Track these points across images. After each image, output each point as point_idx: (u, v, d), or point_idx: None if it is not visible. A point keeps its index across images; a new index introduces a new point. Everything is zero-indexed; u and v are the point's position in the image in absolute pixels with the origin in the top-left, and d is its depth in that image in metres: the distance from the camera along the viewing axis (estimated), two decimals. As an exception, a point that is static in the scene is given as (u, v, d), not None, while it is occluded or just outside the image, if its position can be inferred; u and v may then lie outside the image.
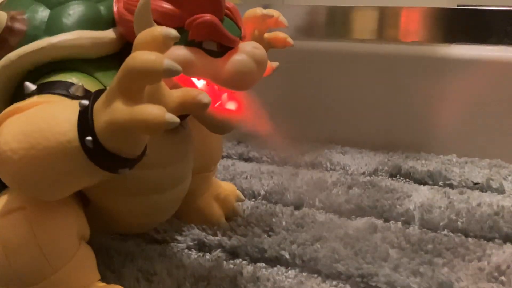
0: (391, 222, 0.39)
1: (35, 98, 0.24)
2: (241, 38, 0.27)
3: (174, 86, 0.24)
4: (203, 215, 0.37)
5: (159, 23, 0.24)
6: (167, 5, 0.25)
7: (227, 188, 0.39)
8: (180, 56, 0.24)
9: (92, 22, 0.27)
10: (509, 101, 0.53)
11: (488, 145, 0.54)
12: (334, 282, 0.31)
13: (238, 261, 0.34)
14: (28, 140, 0.22)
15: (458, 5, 0.57)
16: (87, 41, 0.26)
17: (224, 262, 0.33)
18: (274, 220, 0.38)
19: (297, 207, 0.41)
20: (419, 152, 0.55)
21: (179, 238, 0.36)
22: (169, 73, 0.20)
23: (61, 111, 0.22)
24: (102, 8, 0.28)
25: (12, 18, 0.27)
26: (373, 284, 0.31)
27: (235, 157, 0.55)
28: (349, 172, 0.50)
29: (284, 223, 0.38)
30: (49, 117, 0.22)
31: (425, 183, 0.47)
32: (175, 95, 0.23)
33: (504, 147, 0.53)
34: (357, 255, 0.33)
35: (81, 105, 0.22)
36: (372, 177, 0.48)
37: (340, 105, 0.59)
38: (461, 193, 0.44)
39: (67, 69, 0.26)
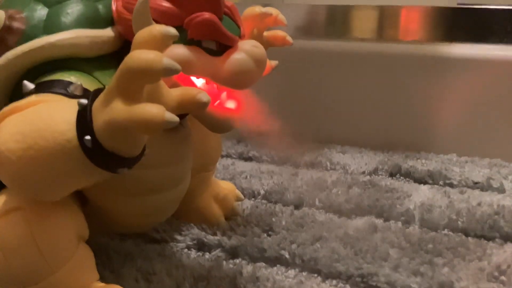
0: (391, 221, 0.39)
1: (33, 97, 0.24)
2: (240, 37, 0.27)
3: (173, 85, 0.24)
4: (202, 214, 0.37)
5: (158, 22, 0.24)
6: (166, 4, 0.25)
7: (226, 187, 0.39)
8: (179, 55, 0.24)
9: (91, 20, 0.27)
10: (510, 100, 0.53)
11: (488, 144, 0.54)
12: (334, 282, 0.31)
13: (237, 260, 0.33)
14: (26, 140, 0.22)
15: (458, 4, 0.57)
16: (86, 40, 0.26)
17: (224, 262, 0.33)
18: (274, 219, 0.38)
19: (297, 206, 0.41)
20: (419, 152, 0.54)
21: (178, 237, 0.36)
22: (168, 72, 0.19)
23: (59, 111, 0.22)
24: (100, 6, 0.27)
25: (10, 17, 0.27)
26: (373, 284, 0.30)
27: (234, 156, 0.55)
28: (349, 171, 0.50)
29: (284, 222, 0.37)
30: (47, 117, 0.22)
31: (425, 183, 0.47)
32: (174, 94, 0.22)
33: (505, 146, 0.53)
34: (357, 255, 0.33)
35: (79, 105, 0.21)
36: (372, 177, 0.48)
37: (340, 105, 0.59)
38: (461, 192, 0.44)
39: (66, 68, 0.26)
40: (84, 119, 0.21)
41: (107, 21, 0.27)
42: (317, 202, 0.41)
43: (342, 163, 0.51)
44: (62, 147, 0.21)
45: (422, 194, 0.44)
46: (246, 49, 0.25)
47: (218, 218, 0.37)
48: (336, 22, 0.61)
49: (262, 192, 0.43)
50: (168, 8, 0.25)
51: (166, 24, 0.21)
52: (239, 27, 0.27)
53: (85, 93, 0.25)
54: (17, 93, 0.26)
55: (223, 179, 0.44)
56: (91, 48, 0.26)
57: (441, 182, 0.47)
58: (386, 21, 0.60)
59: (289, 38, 0.32)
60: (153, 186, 0.29)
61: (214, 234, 0.36)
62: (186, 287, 0.30)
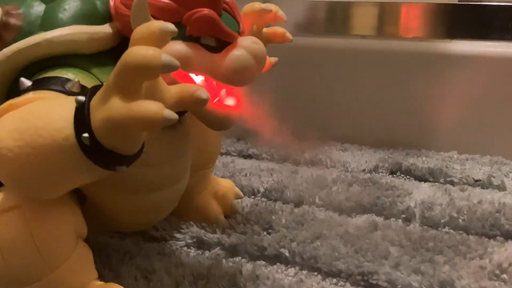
0: (391, 219, 0.39)
1: (30, 94, 0.24)
2: (240, 33, 0.26)
3: (172, 82, 0.23)
4: (201, 212, 0.37)
5: (156, 18, 0.24)
6: None
7: (225, 185, 0.39)
8: (178, 51, 0.24)
9: (88, 17, 0.27)
10: (511, 97, 0.53)
11: (489, 141, 0.54)
12: (334, 280, 0.31)
13: (237, 259, 0.33)
14: (23, 138, 0.21)
15: (459, 1, 0.56)
16: (83, 36, 0.26)
17: (224, 260, 0.33)
18: (273, 217, 0.38)
19: (297, 204, 0.41)
20: (420, 149, 0.54)
21: (178, 236, 0.35)
22: (167, 68, 0.19)
23: (56, 108, 0.22)
24: (98, 2, 0.27)
25: (7, 13, 0.26)
26: (374, 282, 0.30)
27: (234, 154, 0.54)
28: (349, 169, 0.49)
29: (283, 220, 0.37)
30: (44, 114, 0.22)
31: (425, 180, 0.47)
32: (173, 91, 0.22)
33: (506, 144, 0.53)
34: (358, 253, 0.33)
35: (77, 102, 0.21)
36: (372, 174, 0.48)
37: (340, 102, 0.58)
38: (462, 190, 0.44)
39: (63, 65, 0.26)
40: (81, 117, 0.21)
41: (105, 17, 0.27)
42: (317, 200, 0.41)
43: (342, 161, 0.51)
44: (59, 144, 0.21)
45: (422, 191, 0.43)
46: (245, 46, 0.25)
47: (218, 215, 0.37)
48: (336, 19, 0.61)
49: (262, 190, 0.43)
50: (166, 4, 0.25)
51: (165, 20, 0.21)
52: (238, 23, 0.26)
53: (83, 90, 0.25)
54: (14, 90, 0.26)
55: (222, 177, 0.44)
56: (89, 44, 0.26)
57: (441, 180, 0.46)
58: (387, 18, 0.59)
59: (288, 35, 0.32)
60: (152, 184, 0.28)
61: (214, 232, 0.36)
62: (185, 286, 0.30)
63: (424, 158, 0.52)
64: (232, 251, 0.34)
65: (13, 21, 0.26)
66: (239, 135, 0.58)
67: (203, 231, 0.36)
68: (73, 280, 0.26)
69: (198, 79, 0.26)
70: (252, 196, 0.43)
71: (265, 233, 0.36)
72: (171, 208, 0.32)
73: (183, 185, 0.31)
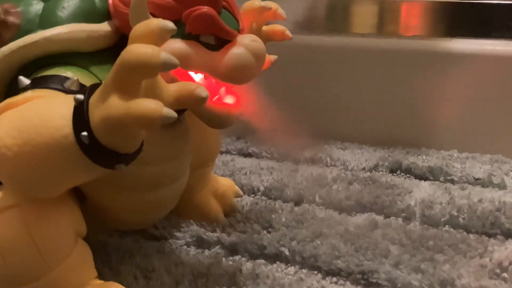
0: (391, 218, 0.39)
1: (29, 93, 0.24)
2: (239, 31, 0.26)
3: (171, 80, 0.23)
4: (201, 211, 0.37)
5: (155, 16, 0.24)
6: (163, -3, 0.25)
7: (225, 183, 0.39)
8: (177, 49, 0.24)
9: (87, 15, 0.26)
10: (511, 95, 0.53)
11: (490, 140, 0.54)
12: (334, 279, 0.31)
13: (237, 257, 0.33)
14: (22, 136, 0.21)
15: (459, -1, 0.56)
16: (82, 35, 0.26)
17: (223, 258, 0.33)
18: (273, 216, 0.38)
19: (297, 203, 0.41)
20: (420, 148, 0.54)
21: (177, 234, 0.35)
22: (166, 66, 0.19)
23: (55, 106, 0.22)
24: (97, 0, 0.27)
25: (5, 12, 0.26)
26: (374, 281, 0.30)
27: (234, 152, 0.54)
28: (349, 168, 0.49)
29: (283, 219, 0.37)
30: (43, 113, 0.22)
31: (426, 179, 0.47)
32: (172, 89, 0.22)
33: (506, 142, 0.53)
34: (358, 252, 0.33)
35: (76, 100, 0.21)
36: (372, 173, 0.48)
37: (340, 100, 0.58)
38: (462, 188, 0.44)
39: (62, 63, 0.26)
40: (80, 115, 0.21)
41: (104, 15, 0.27)
42: (317, 199, 0.41)
43: (343, 159, 0.51)
44: (58, 143, 0.21)
45: (423, 190, 0.43)
46: (245, 44, 0.25)
47: (217, 214, 0.37)
48: (336, 17, 0.60)
49: (261, 188, 0.43)
50: (165, 2, 0.25)
51: (164, 18, 0.21)
52: (237, 21, 0.26)
53: (82, 88, 0.24)
54: (13, 89, 0.26)
55: (222, 175, 0.44)
56: (88, 42, 0.26)
57: (442, 179, 0.46)
58: (387, 16, 0.59)
59: (288, 33, 0.32)
60: (151, 182, 0.28)
61: (214, 231, 0.35)
62: (185, 284, 0.30)
63: (424, 157, 0.51)
64: (232, 249, 0.34)
65: (11, 19, 0.26)
66: (239, 133, 0.58)
67: (203, 229, 0.35)
68: (72, 279, 0.26)
69: (198, 77, 0.26)
70: (252, 195, 0.43)
71: (265, 231, 0.36)
72: (171, 207, 0.32)
73: (182, 183, 0.31)
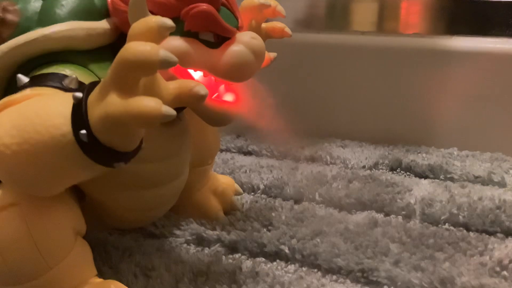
0: (391, 216, 0.39)
1: (28, 91, 0.24)
2: (238, 28, 0.26)
3: (170, 78, 0.23)
4: (201, 209, 0.37)
5: (154, 13, 0.24)
6: (162, -5, 0.25)
7: (225, 181, 0.39)
8: (176, 47, 0.24)
9: (86, 12, 0.26)
10: (511, 93, 0.53)
11: (490, 138, 0.54)
12: (334, 277, 0.31)
13: (237, 256, 0.33)
14: (21, 135, 0.21)
15: (459, -4, 0.56)
16: (81, 32, 0.26)
17: (223, 257, 0.33)
18: (273, 214, 0.38)
19: (297, 201, 0.41)
20: (420, 146, 0.54)
21: (177, 232, 0.35)
22: (165, 64, 0.19)
23: (54, 104, 0.22)
24: (95, -2, 0.27)
25: (4, 9, 0.26)
26: (374, 279, 0.30)
27: (234, 150, 0.54)
28: (349, 166, 0.49)
29: (283, 217, 0.37)
30: (42, 111, 0.22)
31: (426, 177, 0.47)
32: (171, 87, 0.22)
33: (506, 140, 0.53)
34: (358, 250, 0.33)
35: (74, 98, 0.21)
36: (372, 171, 0.48)
37: (340, 98, 0.58)
38: (462, 186, 0.44)
39: (61, 61, 0.26)
40: (79, 113, 0.21)
41: (103, 13, 0.27)
42: (317, 197, 0.41)
43: (342, 157, 0.50)
44: (57, 141, 0.21)
45: (423, 188, 0.43)
46: (244, 41, 0.25)
47: (217, 212, 0.37)
48: (336, 15, 0.60)
49: (261, 186, 0.43)
50: (164, -1, 0.25)
51: (163, 15, 0.20)
52: (237, 19, 0.26)
53: (81, 86, 0.24)
54: (11, 87, 0.25)
55: (222, 173, 0.44)
56: (87, 40, 0.26)
57: (442, 177, 0.46)
58: (387, 13, 0.59)
59: (287, 30, 0.32)
60: (150, 180, 0.28)
61: (213, 229, 0.35)
62: (185, 283, 0.29)
63: (424, 155, 0.51)
64: (232, 248, 0.34)
65: (10, 17, 0.26)
66: (239, 131, 0.58)
67: (202, 228, 0.35)
68: (72, 277, 0.26)
69: (197, 75, 0.26)
70: (252, 193, 0.43)
71: (265, 230, 0.36)
72: (170, 205, 0.32)
73: (182, 181, 0.31)
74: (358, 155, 0.51)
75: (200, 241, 0.35)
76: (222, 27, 0.25)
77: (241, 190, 0.40)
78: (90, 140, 0.21)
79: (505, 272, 0.30)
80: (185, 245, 0.35)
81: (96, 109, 0.20)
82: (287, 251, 0.33)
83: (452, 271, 0.30)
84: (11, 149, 0.21)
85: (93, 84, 0.22)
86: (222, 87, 0.26)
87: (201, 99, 0.22)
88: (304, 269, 0.32)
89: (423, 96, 0.55)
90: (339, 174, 0.46)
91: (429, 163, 0.48)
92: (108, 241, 0.34)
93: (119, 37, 0.27)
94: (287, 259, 0.33)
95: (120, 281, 0.27)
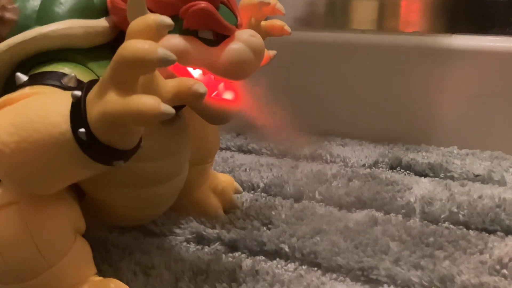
0: (391, 214, 0.39)
1: (26, 89, 0.24)
2: (238, 26, 0.26)
3: (169, 76, 0.23)
4: (201, 207, 0.37)
5: (153, 11, 0.24)
6: (161, -7, 0.25)
7: (224, 180, 0.39)
8: (175, 45, 0.24)
9: (85, 11, 0.26)
10: (511, 92, 0.53)
11: (490, 136, 0.53)
12: (334, 275, 0.31)
13: (237, 254, 0.33)
14: (19, 133, 0.21)
15: (459, -6, 0.56)
16: (80, 31, 0.26)
17: (223, 255, 0.33)
18: (273, 213, 0.38)
19: (297, 199, 0.41)
20: (420, 144, 0.54)
21: (177, 231, 0.35)
22: (163, 62, 0.19)
23: (53, 103, 0.22)
24: (94, -4, 0.27)
25: (2, 8, 0.26)
26: (374, 277, 0.30)
27: (234, 149, 0.54)
28: (349, 164, 0.49)
29: (283, 216, 0.37)
30: (40, 109, 0.22)
31: (426, 175, 0.47)
32: (170, 85, 0.22)
33: (506, 139, 0.53)
34: (358, 248, 0.33)
35: (73, 96, 0.21)
36: (372, 169, 0.48)
37: (340, 97, 0.58)
38: (462, 185, 0.44)
39: (59, 59, 0.26)
40: (78, 111, 0.21)
41: (101, 11, 0.27)
42: (317, 195, 0.41)
43: (342, 156, 0.50)
44: (56, 140, 0.21)
45: (423, 187, 0.43)
46: (243, 39, 0.25)
47: (217, 210, 0.37)
48: (336, 13, 0.60)
49: (261, 185, 0.43)
50: (163, -3, 0.25)
51: (161, 13, 0.20)
52: (236, 17, 0.26)
53: (79, 84, 0.24)
54: (10, 86, 0.25)
55: (222, 172, 0.44)
56: (85, 38, 0.26)
57: (442, 175, 0.46)
58: (387, 12, 0.59)
59: (287, 28, 0.32)
60: (150, 178, 0.28)
61: (213, 227, 0.35)
62: (185, 281, 0.29)
63: (424, 153, 0.51)
64: (232, 246, 0.34)
65: (8, 15, 0.26)
66: (238, 130, 0.58)
67: (202, 226, 0.35)
68: (71, 276, 0.26)
69: (196, 73, 0.26)
70: (252, 191, 0.43)
71: (264, 228, 0.35)
72: (170, 203, 0.32)
73: (182, 179, 0.31)
74: (358, 154, 0.51)
75: (200, 239, 0.35)
76: (221, 25, 0.25)
77: (241, 189, 0.40)
78: (89, 138, 0.21)
79: (505, 271, 0.30)
80: (185, 243, 0.35)
81: (95, 107, 0.20)
82: (287, 249, 0.33)
83: (452, 270, 0.30)
84: (10, 148, 0.21)
85: (92, 83, 0.22)
86: (221, 85, 0.26)
87: (200, 97, 0.22)
88: (304, 267, 0.32)
89: (423, 95, 0.55)
90: (339, 172, 0.46)
91: (429, 161, 0.48)
92: (108, 239, 0.34)
93: (118, 35, 0.27)
94: (287, 258, 0.33)
95: (120, 279, 0.27)
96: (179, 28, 0.24)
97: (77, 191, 0.28)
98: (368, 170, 0.48)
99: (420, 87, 0.55)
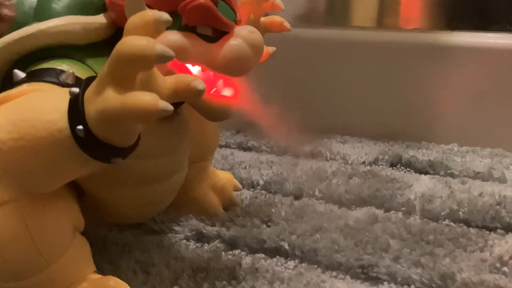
0: (391, 212, 0.39)
1: (24, 86, 0.24)
2: (237, 22, 0.26)
3: (168, 73, 0.23)
4: (200, 205, 0.37)
5: (151, 7, 0.24)
6: (159, -11, 0.24)
7: (224, 177, 0.39)
8: (173, 41, 0.24)
9: (82, 7, 0.26)
10: (511, 89, 0.53)
11: (490, 134, 0.53)
12: (334, 273, 0.31)
13: (236, 252, 0.33)
14: (17, 130, 0.21)
15: (460, -9, 0.56)
16: (78, 27, 0.25)
17: (223, 253, 0.33)
18: (273, 210, 0.38)
19: (297, 197, 0.41)
20: (420, 141, 0.54)
21: (177, 228, 0.35)
22: (162, 58, 0.19)
23: (50, 100, 0.22)
24: (92, -8, 0.27)
25: (0, 4, 0.26)
26: (374, 275, 0.30)
27: (233, 146, 0.54)
28: (349, 161, 0.49)
29: (283, 213, 0.37)
30: (38, 106, 0.21)
31: (426, 173, 0.47)
32: (169, 81, 0.22)
33: (506, 136, 0.53)
34: (357, 246, 0.33)
35: (71, 93, 0.21)
36: (372, 167, 0.48)
37: (340, 94, 0.58)
38: (463, 182, 0.44)
39: (57, 56, 0.25)
40: (76, 108, 0.21)
41: (99, 7, 0.27)
42: (317, 193, 0.41)
43: (342, 153, 0.50)
44: (53, 137, 0.21)
45: (423, 184, 0.43)
46: (242, 35, 0.25)
47: (216, 208, 0.37)
48: (336, 10, 0.60)
49: (261, 182, 0.43)
50: (161, -7, 0.24)
51: (160, 9, 0.20)
52: (235, 13, 0.26)
53: (77, 81, 0.24)
54: (8, 83, 0.25)
55: (222, 169, 0.44)
56: (83, 35, 0.26)
57: (442, 172, 0.46)
58: (387, 9, 0.59)
59: (286, 24, 0.32)
60: (149, 176, 0.28)
61: (213, 225, 0.35)
62: (184, 279, 0.29)
63: (424, 151, 0.51)
64: (232, 244, 0.34)
65: (5, 12, 0.26)
66: (238, 127, 0.58)
67: (202, 224, 0.35)
68: (71, 274, 0.26)
69: (195, 69, 0.26)
70: (252, 189, 0.43)
71: (264, 226, 0.35)
72: (169, 201, 0.32)
73: (181, 177, 0.31)
74: (358, 151, 0.51)
75: (200, 237, 0.35)
76: (220, 21, 0.24)
77: (240, 186, 0.40)
78: (87, 135, 0.20)
79: (505, 268, 0.30)
80: (184, 241, 0.34)
81: (93, 104, 0.20)
82: (286, 247, 0.33)
83: (452, 267, 0.30)
84: (7, 145, 0.21)
85: (90, 79, 0.21)
86: (220, 82, 0.26)
87: (199, 94, 0.21)
88: (304, 265, 0.32)
89: (423, 92, 0.55)
90: (339, 170, 0.46)
91: (429, 158, 0.48)
92: (107, 237, 0.34)
93: (116, 32, 0.27)
94: (286, 255, 0.33)
95: (120, 277, 0.27)
96: (177, 24, 0.24)
97: (76, 189, 0.28)
98: (368, 167, 0.48)
99: (420, 84, 0.55)
